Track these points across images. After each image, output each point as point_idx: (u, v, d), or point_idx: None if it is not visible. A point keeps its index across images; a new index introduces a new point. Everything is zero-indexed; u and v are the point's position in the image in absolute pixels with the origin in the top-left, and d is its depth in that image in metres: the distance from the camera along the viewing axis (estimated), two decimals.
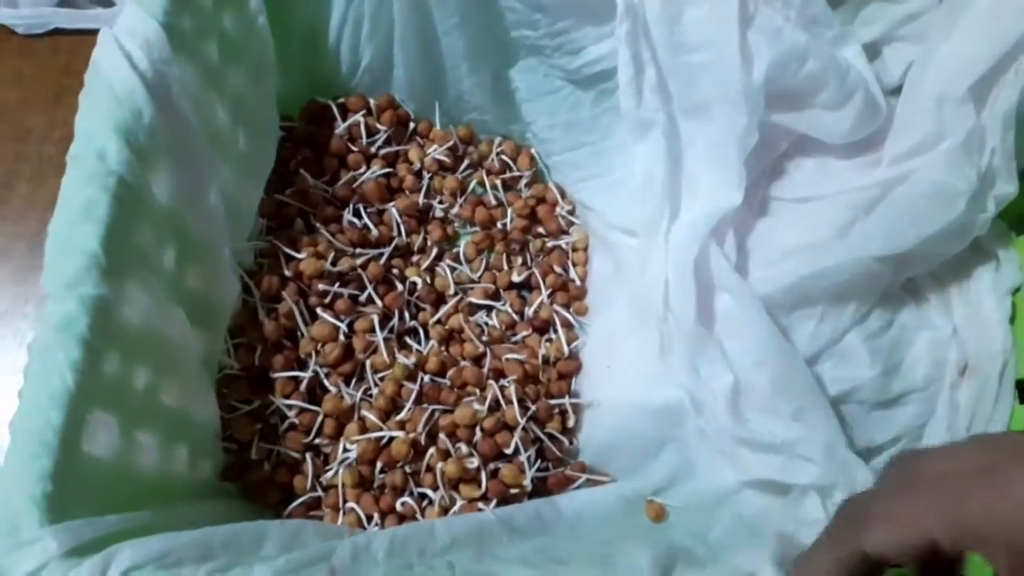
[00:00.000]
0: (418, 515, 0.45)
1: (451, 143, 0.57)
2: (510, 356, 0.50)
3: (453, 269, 0.55)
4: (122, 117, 0.39)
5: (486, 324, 0.53)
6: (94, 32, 0.40)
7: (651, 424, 0.47)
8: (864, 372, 0.46)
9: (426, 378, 0.49)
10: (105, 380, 0.36)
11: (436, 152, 0.56)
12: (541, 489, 0.48)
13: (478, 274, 0.55)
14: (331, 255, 0.50)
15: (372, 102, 0.56)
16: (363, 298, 0.50)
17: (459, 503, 0.45)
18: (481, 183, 0.58)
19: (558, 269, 0.55)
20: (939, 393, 0.46)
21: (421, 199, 0.55)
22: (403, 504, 0.45)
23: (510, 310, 0.54)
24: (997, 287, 0.47)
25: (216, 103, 0.46)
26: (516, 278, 0.54)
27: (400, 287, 0.52)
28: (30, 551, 0.31)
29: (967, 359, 0.47)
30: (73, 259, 0.36)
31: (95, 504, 0.35)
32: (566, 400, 0.49)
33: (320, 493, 0.46)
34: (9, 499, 0.32)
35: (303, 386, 0.47)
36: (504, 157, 0.58)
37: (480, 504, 0.45)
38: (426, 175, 0.56)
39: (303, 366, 0.47)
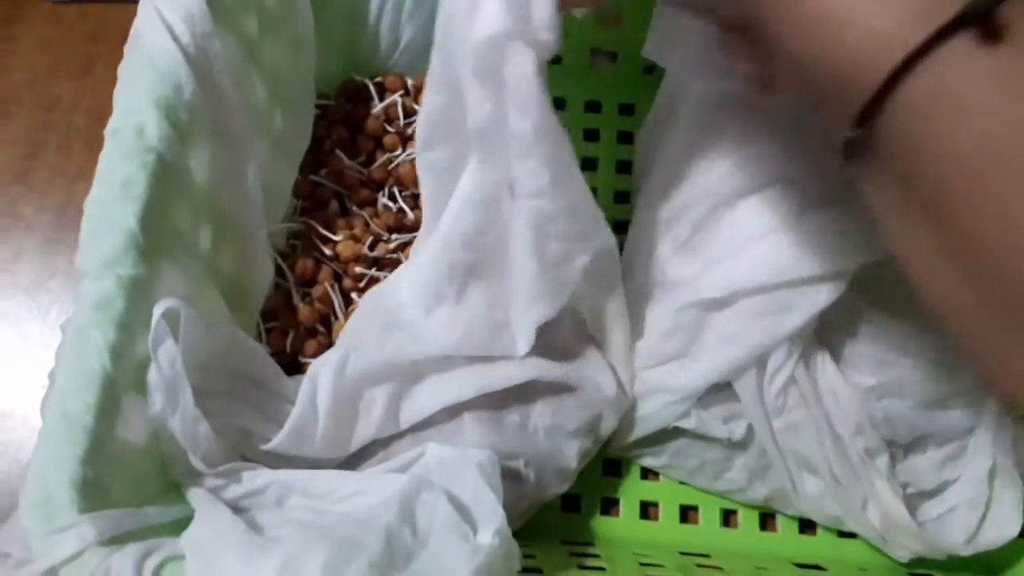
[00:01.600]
0: None
1: None
2: None
3: None
4: (163, 92, 0.37)
5: None
6: (123, 0, 0.39)
7: None
8: None
9: None
10: (140, 363, 0.35)
11: None
12: None
13: None
14: (368, 239, 0.49)
15: (410, 82, 0.55)
16: None
17: None
18: None
19: None
20: None
21: None
22: None
23: None
24: None
25: (255, 79, 0.45)
26: None
27: None
28: (67, 536, 0.30)
29: None
30: (111, 238, 0.35)
31: (131, 491, 0.35)
32: None
33: None
34: (47, 483, 0.31)
35: None
36: None
37: None
38: None
39: None
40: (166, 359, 0.36)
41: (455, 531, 0.34)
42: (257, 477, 0.39)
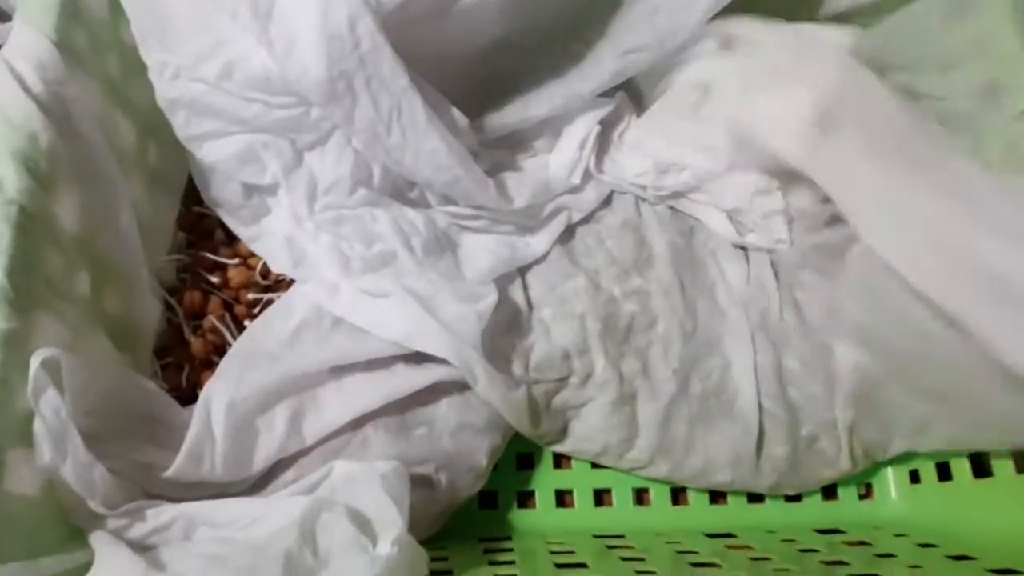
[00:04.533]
0: None
1: None
2: None
3: None
4: (19, 144, 0.37)
5: None
6: None
7: None
8: None
9: None
10: (23, 416, 0.35)
11: None
12: None
13: None
14: (259, 264, 0.49)
15: None
16: None
17: None
18: None
19: None
20: None
21: None
22: None
23: None
24: None
25: (121, 119, 0.45)
26: None
27: None
28: None
29: None
30: None
31: (26, 544, 0.35)
32: None
33: None
34: None
35: None
36: None
37: None
38: None
39: None
40: (49, 409, 0.36)
41: (354, 546, 0.35)
42: (161, 513, 0.39)
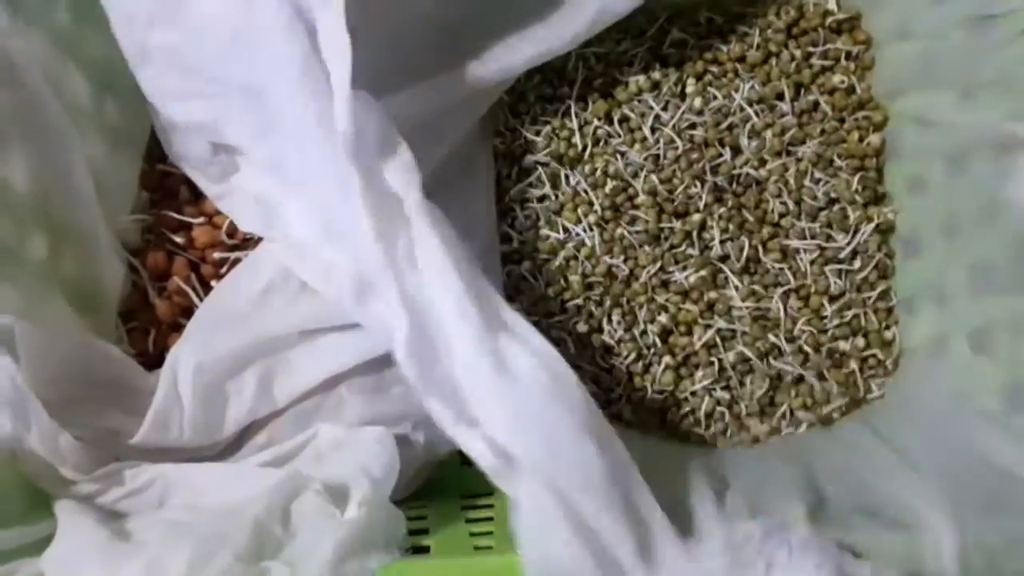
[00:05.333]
0: None
1: None
2: None
3: None
4: None
5: None
6: None
7: None
8: None
9: None
10: None
11: None
12: None
13: None
14: (226, 222, 0.47)
15: None
16: None
17: None
18: None
19: None
20: None
21: None
22: None
23: None
24: None
25: (74, 72, 0.43)
26: None
27: None
28: None
29: None
30: None
31: None
32: None
33: None
34: None
35: None
36: None
37: None
38: None
39: None
40: (5, 378, 0.35)
41: (322, 514, 0.34)
42: (140, 474, 0.38)
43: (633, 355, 0.47)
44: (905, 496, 0.34)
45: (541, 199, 0.50)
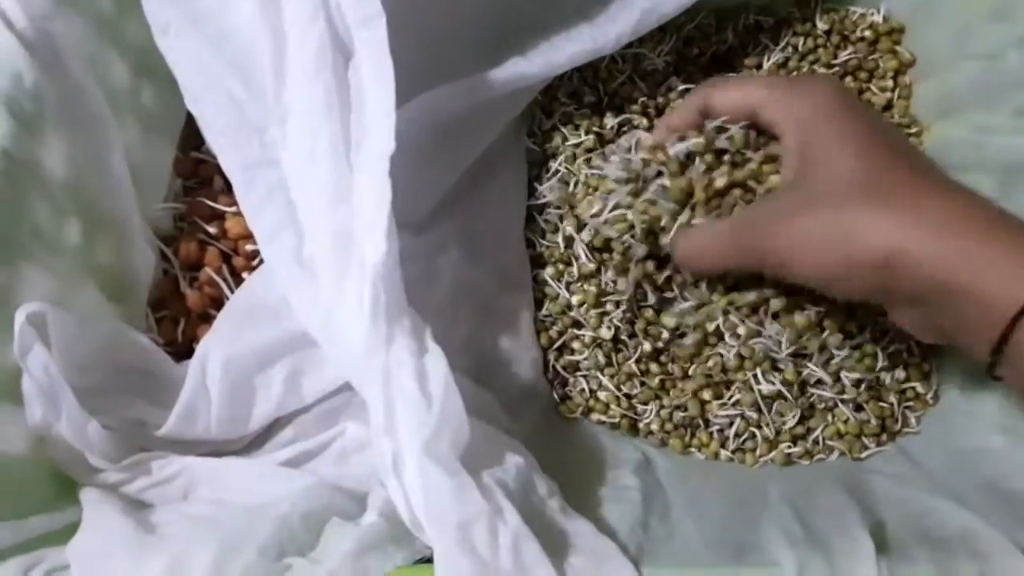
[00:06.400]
0: None
1: None
2: None
3: None
4: (2, 84, 0.35)
5: None
6: None
7: None
8: None
9: None
10: (8, 372, 0.34)
11: None
12: None
13: None
14: None
15: None
16: None
17: None
18: None
19: None
20: None
21: None
22: None
23: None
24: None
25: (114, 57, 0.43)
26: None
27: None
28: None
29: None
30: None
31: (12, 504, 0.34)
32: None
33: None
34: None
35: None
36: None
37: None
38: None
39: None
40: (38, 365, 0.34)
41: (343, 517, 0.34)
42: (167, 465, 0.38)
43: (658, 368, 0.46)
44: (966, 525, 0.34)
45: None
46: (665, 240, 0.42)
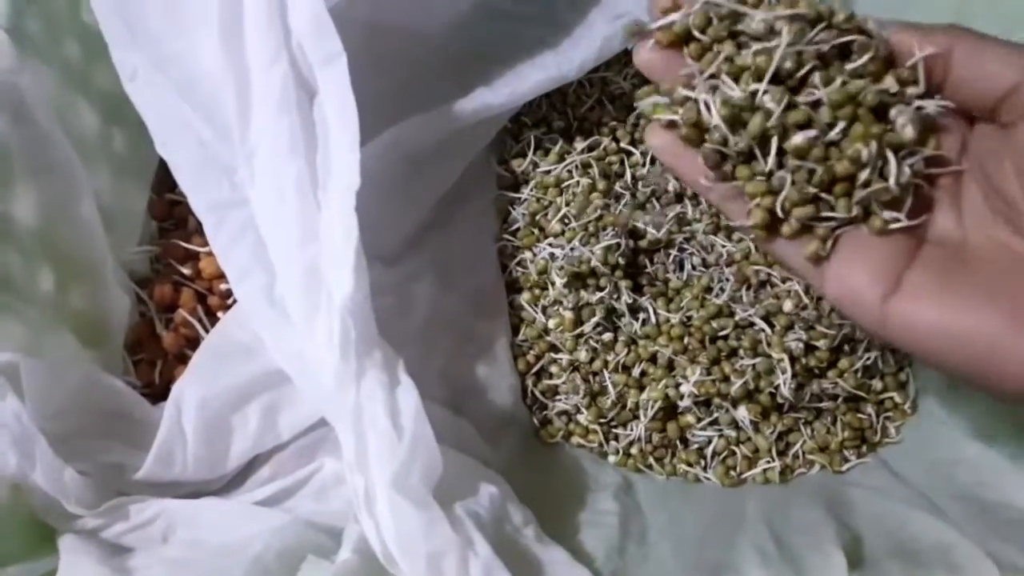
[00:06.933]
0: None
1: None
2: None
3: None
4: None
5: None
6: None
7: None
8: None
9: None
10: None
11: None
12: None
13: None
14: None
15: None
16: None
17: None
18: None
19: None
20: None
21: None
22: None
23: None
24: None
25: (83, 105, 0.43)
26: None
27: None
28: None
29: None
30: None
31: None
32: None
33: None
34: None
35: None
36: None
37: None
38: None
39: None
40: (10, 415, 0.35)
41: (320, 554, 0.34)
42: (145, 508, 0.38)
43: (636, 391, 0.46)
44: (941, 537, 0.34)
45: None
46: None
